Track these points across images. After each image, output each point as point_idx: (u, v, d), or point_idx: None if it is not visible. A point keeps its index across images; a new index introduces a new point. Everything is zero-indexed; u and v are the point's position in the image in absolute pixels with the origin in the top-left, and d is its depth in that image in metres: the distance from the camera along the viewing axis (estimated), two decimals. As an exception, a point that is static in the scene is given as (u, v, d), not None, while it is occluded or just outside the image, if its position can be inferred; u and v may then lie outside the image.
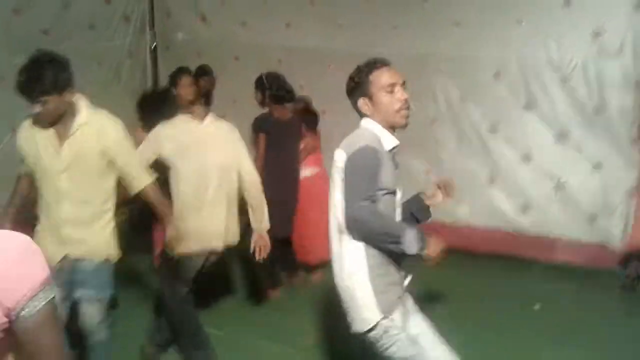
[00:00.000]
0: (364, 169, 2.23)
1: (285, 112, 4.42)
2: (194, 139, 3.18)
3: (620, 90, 4.37)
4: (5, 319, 1.21)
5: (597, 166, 4.53)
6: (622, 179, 4.48)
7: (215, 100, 5.91)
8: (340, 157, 2.27)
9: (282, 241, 4.21)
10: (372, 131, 2.33)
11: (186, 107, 3.55)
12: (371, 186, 2.23)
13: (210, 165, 3.18)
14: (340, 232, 2.27)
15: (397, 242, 2.16)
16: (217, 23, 6.05)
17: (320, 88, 5.55)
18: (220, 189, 3.20)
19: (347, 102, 5.48)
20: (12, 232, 1.27)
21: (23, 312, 1.22)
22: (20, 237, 1.25)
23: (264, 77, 4.48)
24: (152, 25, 6.24)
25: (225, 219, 3.22)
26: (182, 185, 3.17)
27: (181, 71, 4.33)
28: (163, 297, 3.40)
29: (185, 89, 4.10)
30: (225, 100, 5.59)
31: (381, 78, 2.32)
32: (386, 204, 2.27)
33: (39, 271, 1.24)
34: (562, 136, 4.65)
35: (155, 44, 6.27)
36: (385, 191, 2.27)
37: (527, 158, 4.80)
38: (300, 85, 5.45)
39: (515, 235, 4.92)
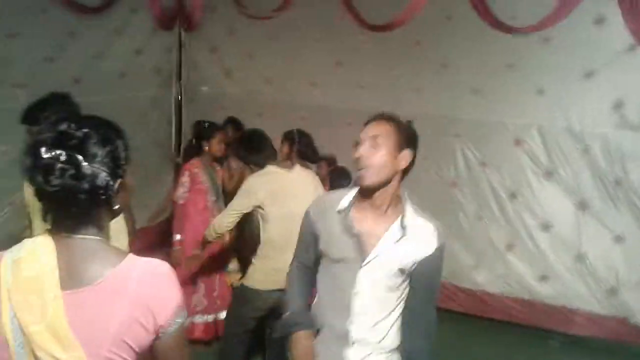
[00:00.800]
0: (299, 232, 2.32)
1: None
2: (283, 186, 3.44)
3: (641, 163, 4.34)
4: (154, 335, 1.37)
5: (618, 239, 4.45)
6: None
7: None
8: None
9: None
10: (344, 190, 2.25)
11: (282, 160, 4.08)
12: (300, 249, 2.30)
13: (296, 211, 3.26)
14: None
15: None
16: (242, 79, 6.18)
17: (342, 147, 5.62)
18: None
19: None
20: (159, 260, 1.42)
21: (168, 330, 1.38)
22: (167, 265, 1.42)
23: (295, 131, 4.55)
24: (179, 78, 6.39)
25: None
26: (270, 228, 3.41)
27: (214, 128, 4.55)
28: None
29: (218, 145, 4.45)
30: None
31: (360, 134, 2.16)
32: (335, 274, 2.16)
33: (179, 295, 1.40)
34: (582, 206, 4.60)
35: (180, 96, 6.41)
36: (327, 258, 2.19)
37: (546, 226, 4.74)
38: (322, 144, 5.54)
39: (532, 304, 4.81)
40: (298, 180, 3.49)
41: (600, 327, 4.54)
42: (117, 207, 1.43)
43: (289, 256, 2.79)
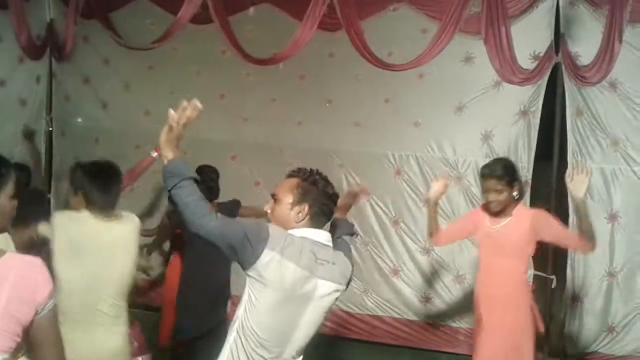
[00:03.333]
0: None
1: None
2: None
3: (509, 189, 4.73)
4: (34, 313, 1.71)
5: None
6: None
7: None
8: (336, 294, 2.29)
9: None
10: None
11: None
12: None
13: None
14: None
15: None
16: (119, 111, 5.95)
17: (225, 179, 5.56)
18: None
19: (252, 193, 5.58)
20: (31, 256, 1.80)
21: (43, 309, 1.73)
22: (39, 259, 1.78)
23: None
24: (50, 110, 6.03)
25: None
26: None
27: None
28: None
29: None
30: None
31: None
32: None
33: (51, 281, 1.78)
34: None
35: (51, 128, 6.04)
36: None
37: (427, 251, 5.02)
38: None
39: (420, 325, 5.06)
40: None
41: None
42: None
43: None
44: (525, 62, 4.61)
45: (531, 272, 4.73)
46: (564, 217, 4.69)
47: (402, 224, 5.10)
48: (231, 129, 5.57)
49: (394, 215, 5.08)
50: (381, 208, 5.13)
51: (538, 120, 4.68)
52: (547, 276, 4.74)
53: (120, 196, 3.05)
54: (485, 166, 3.46)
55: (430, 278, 5.06)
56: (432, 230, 3.72)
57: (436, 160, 4.98)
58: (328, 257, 2.25)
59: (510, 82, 4.65)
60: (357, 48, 4.88)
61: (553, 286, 4.73)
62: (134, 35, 5.57)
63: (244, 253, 2.11)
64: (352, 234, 2.61)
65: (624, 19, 4.28)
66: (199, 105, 2.24)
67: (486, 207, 3.47)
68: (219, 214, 2.17)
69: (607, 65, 4.36)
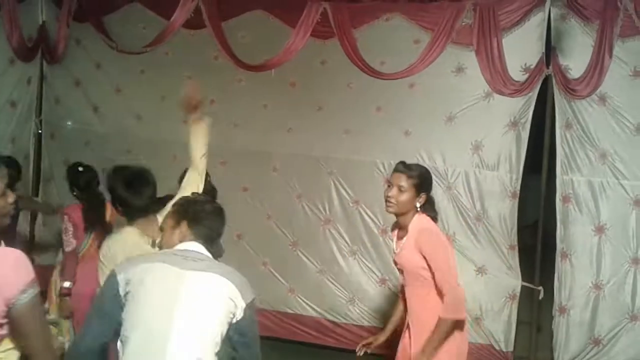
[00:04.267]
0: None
1: None
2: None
3: (498, 200, 4.75)
4: (5, 307, 1.75)
5: (480, 271, 4.81)
6: (504, 282, 4.77)
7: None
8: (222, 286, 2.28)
9: None
10: None
11: None
12: None
13: None
14: None
15: None
16: (110, 114, 5.93)
17: (216, 184, 5.56)
18: None
19: (240, 198, 5.57)
20: (11, 248, 1.84)
21: (18, 301, 1.76)
22: (16, 252, 1.82)
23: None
24: (40, 113, 6.00)
25: None
26: None
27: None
28: None
29: None
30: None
31: None
32: None
33: (27, 274, 1.79)
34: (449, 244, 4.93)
35: (40, 131, 6.01)
36: None
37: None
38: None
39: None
40: None
41: (470, 355, 4.83)
42: None
43: None
44: (516, 74, 4.64)
45: (519, 282, 4.77)
46: (551, 230, 4.74)
47: (390, 233, 5.07)
48: (221, 135, 5.48)
49: (382, 224, 5.07)
50: (369, 217, 5.12)
51: (528, 132, 4.69)
52: (534, 287, 4.75)
53: None
54: (402, 162, 3.25)
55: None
56: None
57: (426, 170, 4.98)
58: (200, 257, 2.31)
59: (501, 93, 4.68)
60: (349, 56, 4.91)
61: (540, 297, 4.75)
62: (126, 39, 5.58)
63: (112, 299, 2.18)
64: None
65: (614, 33, 4.32)
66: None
67: (396, 223, 3.30)
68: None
69: (597, 79, 4.40)
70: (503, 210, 4.75)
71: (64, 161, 5.80)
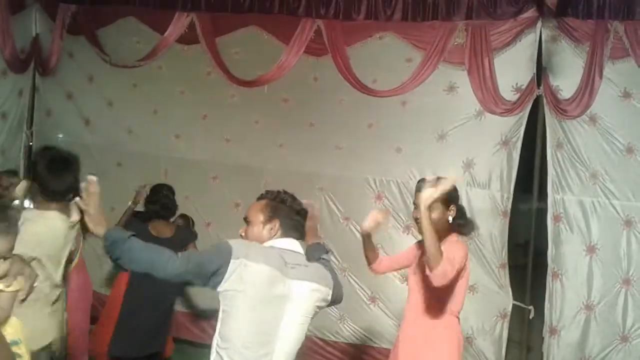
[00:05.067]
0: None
1: (165, 229, 4.34)
2: None
3: (489, 218, 4.74)
4: None
5: (471, 289, 4.78)
6: (495, 301, 4.75)
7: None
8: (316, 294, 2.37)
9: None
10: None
11: None
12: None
13: None
14: None
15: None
16: (101, 128, 5.92)
17: (206, 200, 5.56)
18: None
19: (232, 214, 5.57)
20: None
21: None
22: None
23: (144, 190, 4.57)
24: (31, 125, 5.98)
25: None
26: None
27: None
28: None
29: None
30: (103, 207, 5.35)
31: None
32: None
33: None
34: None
35: (31, 143, 5.98)
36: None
37: (406, 278, 4.98)
38: (186, 196, 5.43)
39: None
40: None
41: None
42: None
43: None
44: (508, 93, 4.66)
45: (509, 302, 4.75)
46: (542, 249, 4.74)
47: (381, 250, 5.05)
48: (213, 150, 5.56)
49: (374, 240, 5.05)
50: (360, 233, 5.10)
51: (519, 151, 4.71)
52: (525, 306, 4.74)
53: None
54: (423, 179, 3.10)
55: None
56: (369, 258, 3.58)
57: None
58: (299, 261, 2.36)
59: (492, 112, 4.70)
60: (342, 73, 4.94)
61: (531, 317, 4.73)
62: (120, 53, 5.59)
63: (214, 276, 2.21)
64: (327, 251, 2.72)
65: (604, 55, 4.37)
66: (94, 178, 2.32)
67: (421, 242, 3.10)
68: (178, 254, 2.25)
69: (588, 99, 4.44)
70: (494, 228, 4.74)
71: (53, 174, 5.78)
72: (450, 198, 3.04)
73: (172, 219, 4.57)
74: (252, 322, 2.23)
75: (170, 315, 4.42)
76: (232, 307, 2.22)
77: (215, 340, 2.28)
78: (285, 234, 2.41)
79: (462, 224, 3.18)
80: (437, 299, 3.11)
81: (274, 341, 2.27)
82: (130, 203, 4.67)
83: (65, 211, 3.06)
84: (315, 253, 2.61)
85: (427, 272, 2.87)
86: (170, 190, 4.53)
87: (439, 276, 2.84)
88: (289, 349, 2.32)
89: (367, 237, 3.49)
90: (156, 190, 4.51)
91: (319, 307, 2.41)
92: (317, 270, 2.42)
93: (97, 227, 2.24)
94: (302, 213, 2.49)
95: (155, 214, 4.38)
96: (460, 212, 3.20)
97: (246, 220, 2.47)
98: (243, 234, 2.47)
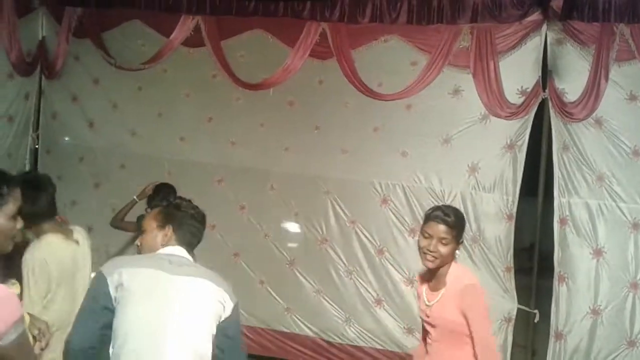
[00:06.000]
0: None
1: None
2: None
3: (494, 222, 4.74)
4: None
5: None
6: (500, 305, 4.72)
7: (96, 208, 5.71)
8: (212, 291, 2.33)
9: None
10: None
11: None
12: None
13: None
14: None
15: None
16: (106, 130, 5.93)
17: (211, 203, 5.54)
18: None
19: (237, 217, 5.57)
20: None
21: (4, 341, 1.61)
22: (4, 290, 1.65)
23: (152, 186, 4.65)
24: (37, 127, 5.99)
25: None
26: None
27: None
28: None
29: None
30: (106, 208, 5.39)
31: None
32: None
33: (11, 314, 1.64)
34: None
35: (37, 146, 6.00)
36: None
37: (411, 281, 4.98)
38: (190, 199, 5.42)
39: (401, 357, 4.98)
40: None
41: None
42: None
43: None
44: (513, 97, 4.65)
45: (514, 305, 4.74)
46: (548, 252, 4.73)
47: (387, 254, 5.06)
48: (218, 153, 5.56)
49: (379, 244, 5.06)
50: (366, 237, 5.11)
51: (524, 155, 4.70)
52: (530, 310, 4.72)
53: None
54: (436, 208, 2.96)
55: (414, 309, 4.99)
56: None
57: (422, 191, 4.96)
58: (186, 262, 2.36)
59: (498, 116, 4.68)
60: (347, 77, 4.93)
61: (536, 320, 4.71)
62: (125, 56, 5.59)
63: (103, 300, 2.22)
64: None
65: (610, 57, 4.35)
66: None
67: (423, 275, 3.05)
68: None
69: (593, 102, 4.42)
70: (499, 232, 4.74)
71: (58, 177, 5.79)
72: (460, 234, 2.90)
73: None
74: (139, 324, 2.20)
75: None
76: (120, 316, 2.20)
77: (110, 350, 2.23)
78: (180, 239, 2.42)
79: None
80: (456, 336, 2.87)
81: (165, 340, 2.19)
82: (134, 196, 4.73)
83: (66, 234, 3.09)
84: None
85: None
86: (173, 191, 4.54)
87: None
88: (185, 347, 2.20)
89: None
90: (158, 190, 4.55)
91: (216, 309, 2.28)
92: (208, 271, 2.39)
93: None
94: (196, 217, 2.50)
95: None
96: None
97: (141, 230, 2.53)
98: (139, 244, 2.52)
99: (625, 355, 4.46)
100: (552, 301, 4.65)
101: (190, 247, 2.47)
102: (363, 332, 5.13)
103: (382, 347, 5.07)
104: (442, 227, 2.80)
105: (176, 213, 2.47)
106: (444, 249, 2.80)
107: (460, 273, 2.88)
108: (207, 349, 2.24)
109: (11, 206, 1.75)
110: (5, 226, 1.73)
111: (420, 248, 2.88)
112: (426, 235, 2.85)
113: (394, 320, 5.03)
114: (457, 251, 2.88)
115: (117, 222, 4.89)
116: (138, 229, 4.56)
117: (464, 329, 2.79)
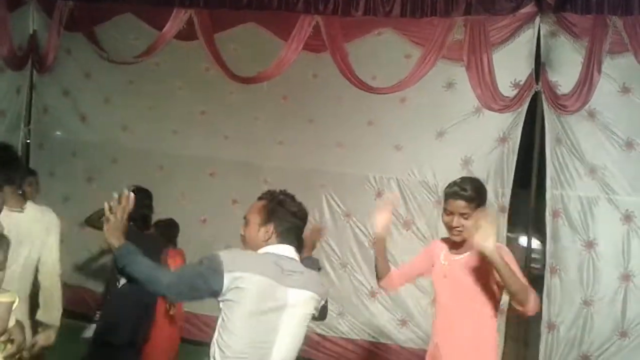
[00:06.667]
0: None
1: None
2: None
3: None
4: None
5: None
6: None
7: (89, 203, 5.68)
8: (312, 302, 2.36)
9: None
10: None
11: None
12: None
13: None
14: None
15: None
16: (97, 124, 5.91)
17: (203, 196, 5.54)
18: None
19: (228, 210, 5.55)
20: None
21: None
22: None
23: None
24: (29, 122, 5.96)
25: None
26: None
27: None
28: None
29: None
30: (98, 203, 5.35)
31: None
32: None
33: None
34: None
35: (28, 140, 5.96)
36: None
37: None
38: (182, 192, 5.44)
39: (395, 349, 5.00)
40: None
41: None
42: None
43: None
44: (506, 89, 4.67)
45: (506, 298, 4.74)
46: (540, 245, 4.75)
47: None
48: (211, 146, 5.54)
49: (373, 236, 5.06)
50: (361, 230, 5.12)
51: (517, 147, 4.73)
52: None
53: None
54: (453, 184, 2.88)
55: (408, 301, 5.01)
56: (381, 273, 3.14)
57: (416, 184, 4.99)
58: (295, 268, 2.33)
59: (491, 109, 4.71)
60: (341, 70, 4.92)
61: (529, 313, 4.73)
62: (117, 49, 5.56)
63: (209, 288, 2.22)
64: (319, 268, 2.75)
65: (603, 50, 4.38)
66: (132, 195, 2.34)
67: (446, 239, 2.96)
68: (171, 269, 2.37)
69: (586, 94, 4.45)
70: (492, 224, 4.75)
71: (50, 172, 5.77)
72: (481, 202, 2.81)
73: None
74: (249, 332, 2.22)
75: (153, 311, 4.31)
76: (230, 318, 2.22)
77: (213, 348, 2.26)
78: (280, 237, 2.37)
79: None
80: (474, 309, 2.81)
81: (271, 351, 2.25)
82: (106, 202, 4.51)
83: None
84: (308, 266, 2.56)
85: (519, 308, 2.65)
86: (147, 194, 4.24)
87: (534, 308, 2.69)
88: (286, 356, 2.30)
89: (381, 245, 3.14)
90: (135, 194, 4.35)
91: (313, 316, 2.40)
92: (312, 277, 2.40)
93: (112, 239, 2.25)
94: (299, 215, 2.43)
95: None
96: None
97: (245, 219, 2.46)
98: (242, 233, 2.47)
99: (617, 345, 4.50)
100: (544, 293, 4.67)
101: (293, 245, 2.41)
102: (357, 325, 5.14)
103: (375, 340, 5.08)
104: (461, 203, 2.77)
105: (279, 209, 2.39)
106: (467, 222, 2.75)
107: None
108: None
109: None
110: None
111: (444, 224, 2.88)
112: (447, 212, 2.83)
113: (389, 312, 5.04)
114: None
115: (92, 222, 4.78)
116: None
117: (483, 296, 2.75)
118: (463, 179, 2.95)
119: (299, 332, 2.34)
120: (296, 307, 2.29)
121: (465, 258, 2.80)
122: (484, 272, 2.73)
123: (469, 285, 2.77)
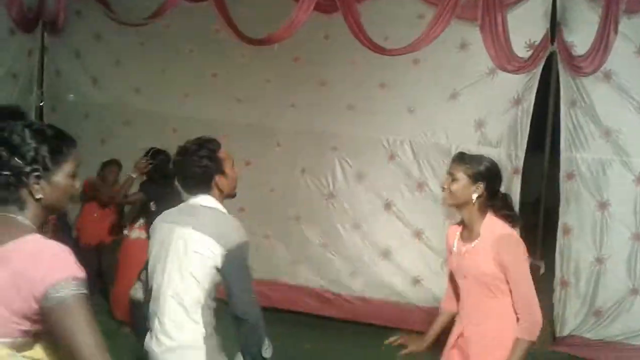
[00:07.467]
0: (248, 267, 2.48)
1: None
2: None
3: (500, 177, 4.75)
4: (35, 305, 1.50)
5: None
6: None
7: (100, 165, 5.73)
8: (209, 246, 2.40)
9: None
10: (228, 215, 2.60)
11: None
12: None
13: None
14: (187, 311, 2.38)
15: (260, 344, 2.38)
16: (109, 87, 5.92)
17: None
18: None
19: (242, 172, 5.53)
20: (51, 240, 1.59)
21: (49, 297, 1.49)
22: (59, 246, 1.57)
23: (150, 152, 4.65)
24: (41, 85, 5.96)
25: None
26: None
27: None
28: None
29: None
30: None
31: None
32: None
33: (64, 270, 1.52)
34: (449, 216, 4.95)
35: (42, 103, 5.98)
36: None
37: (418, 234, 5.05)
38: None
39: (408, 309, 5.07)
40: None
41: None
42: (39, 196, 1.62)
43: None
44: (521, 50, 4.62)
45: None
46: (554, 208, 4.77)
47: (394, 208, 5.11)
48: (223, 109, 5.54)
49: (386, 198, 5.10)
50: (373, 191, 5.15)
51: (531, 109, 4.71)
52: (536, 262, 4.79)
53: None
54: (460, 152, 2.90)
55: (421, 261, 5.08)
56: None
57: (429, 146, 5.00)
58: (190, 212, 2.56)
59: (505, 70, 4.66)
60: (353, 31, 4.84)
61: (541, 272, 4.79)
62: (127, 11, 5.49)
63: None
64: None
65: (619, 9, 4.29)
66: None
67: (459, 223, 2.84)
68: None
69: (602, 55, 4.38)
70: (505, 186, 4.74)
71: (64, 134, 5.79)
72: (477, 174, 2.68)
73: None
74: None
75: None
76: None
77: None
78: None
79: (506, 215, 2.76)
80: (490, 299, 2.69)
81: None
82: (131, 173, 4.68)
83: None
84: None
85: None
86: (166, 155, 4.46)
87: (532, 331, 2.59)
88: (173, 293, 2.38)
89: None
90: (153, 157, 4.58)
91: (203, 259, 2.38)
92: (203, 219, 2.48)
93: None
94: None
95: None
96: (501, 200, 2.80)
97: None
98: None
99: (629, 302, 4.57)
100: (557, 251, 4.73)
101: (189, 187, 2.54)
102: (369, 284, 5.22)
103: (389, 298, 5.16)
104: (453, 164, 2.76)
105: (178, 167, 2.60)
106: (453, 186, 2.67)
107: (494, 223, 2.68)
108: (197, 292, 2.39)
109: (70, 164, 1.70)
110: (65, 185, 1.68)
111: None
112: (449, 174, 2.77)
113: (401, 271, 5.11)
114: (474, 194, 2.63)
115: (120, 200, 4.94)
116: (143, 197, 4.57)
117: (499, 282, 2.64)
118: (479, 154, 2.87)
119: (187, 268, 2.42)
120: (178, 241, 2.48)
121: (475, 247, 2.68)
122: (488, 262, 2.63)
123: (479, 276, 2.67)
